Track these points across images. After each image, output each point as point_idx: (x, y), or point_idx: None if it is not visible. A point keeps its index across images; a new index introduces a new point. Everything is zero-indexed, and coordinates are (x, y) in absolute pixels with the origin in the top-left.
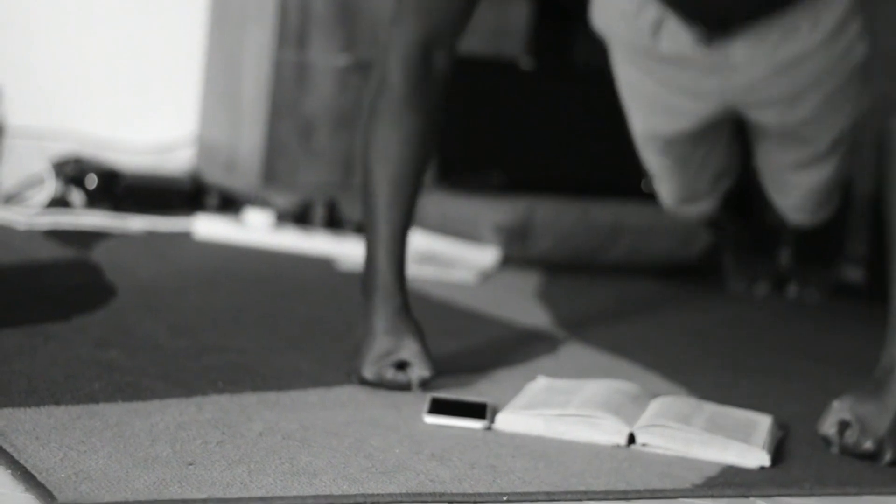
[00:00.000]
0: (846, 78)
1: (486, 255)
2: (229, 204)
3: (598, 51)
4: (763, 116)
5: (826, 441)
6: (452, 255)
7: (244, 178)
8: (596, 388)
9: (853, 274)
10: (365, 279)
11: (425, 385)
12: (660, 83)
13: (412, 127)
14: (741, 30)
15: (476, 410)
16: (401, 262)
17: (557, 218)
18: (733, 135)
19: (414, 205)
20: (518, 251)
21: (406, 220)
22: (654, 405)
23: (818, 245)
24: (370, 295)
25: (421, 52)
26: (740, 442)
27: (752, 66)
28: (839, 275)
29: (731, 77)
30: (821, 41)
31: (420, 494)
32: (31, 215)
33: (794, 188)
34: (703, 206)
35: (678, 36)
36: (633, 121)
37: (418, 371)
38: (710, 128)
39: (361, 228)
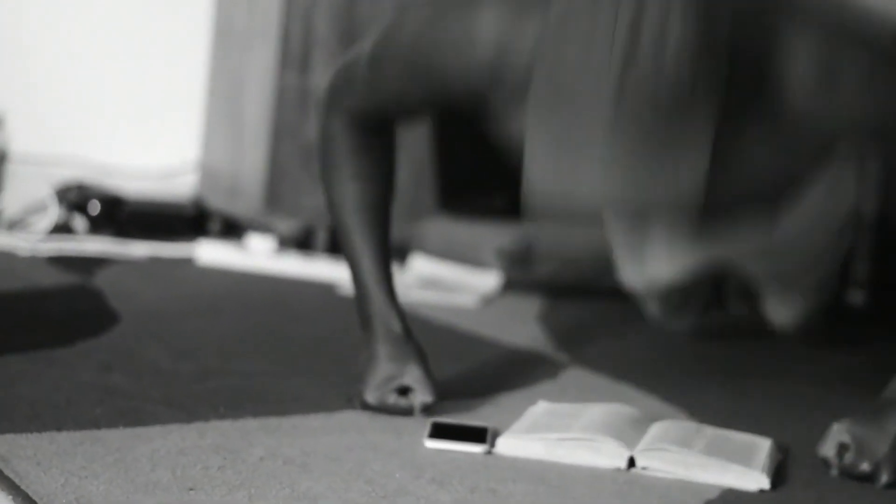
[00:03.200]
0: (832, 235)
1: (488, 280)
2: (232, 229)
3: None
4: (747, 270)
5: (825, 463)
6: (454, 279)
7: (246, 203)
8: (597, 411)
9: (855, 296)
10: (360, 310)
11: (427, 410)
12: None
13: (365, 167)
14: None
15: (477, 435)
16: (391, 287)
17: (560, 242)
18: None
19: (387, 231)
20: (520, 275)
21: (383, 246)
22: (655, 429)
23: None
24: (368, 323)
25: (365, 123)
26: (740, 465)
27: (734, 247)
28: (843, 298)
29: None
30: (803, 219)
31: None
32: (34, 241)
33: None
34: (690, 320)
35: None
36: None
37: (421, 396)
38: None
39: None
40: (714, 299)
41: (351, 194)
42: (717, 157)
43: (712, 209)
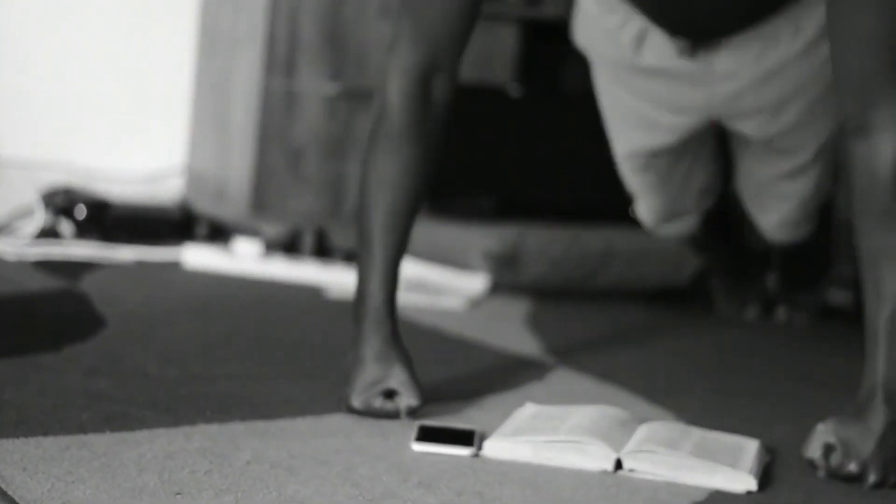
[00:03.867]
0: (827, 86)
1: (475, 282)
2: (218, 233)
3: (586, 76)
4: (746, 127)
5: (812, 465)
6: (442, 282)
7: (233, 206)
8: (584, 414)
9: (840, 296)
10: (356, 305)
11: (413, 413)
12: (642, 98)
13: (411, 155)
14: (724, 41)
15: (464, 438)
16: (392, 290)
17: (547, 244)
18: (715, 151)
19: (409, 233)
20: (507, 278)
21: (400, 248)
22: (642, 430)
23: (805, 268)
24: (360, 321)
25: (420, 79)
26: (728, 466)
27: (734, 77)
28: (826, 298)
29: (713, 88)
30: (802, 49)
31: None
32: (20, 246)
33: (776, 202)
34: (685, 225)
35: (661, 49)
36: (615, 137)
37: (406, 400)
38: (693, 142)
39: (350, 257)
40: (710, 216)
41: (386, 186)
42: None
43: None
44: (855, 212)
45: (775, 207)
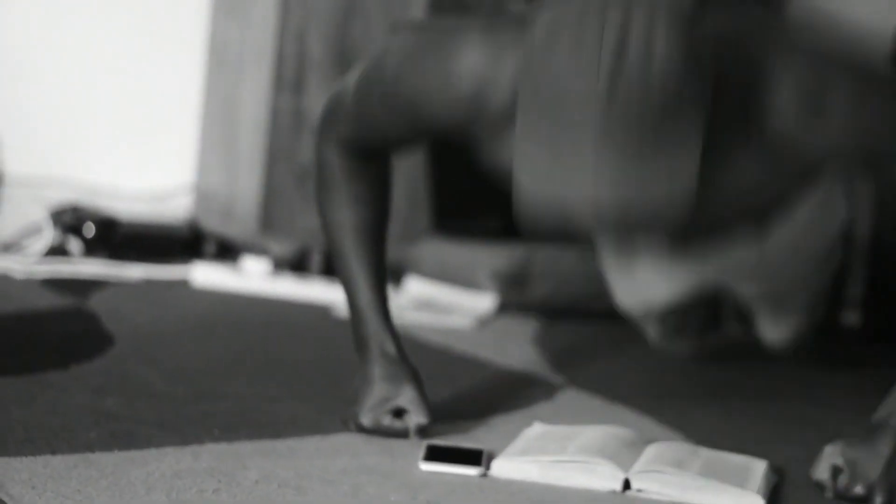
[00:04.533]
0: (823, 250)
1: (483, 302)
2: (227, 251)
3: None
4: (739, 290)
5: (820, 486)
6: (450, 301)
7: (241, 225)
8: (592, 434)
9: (850, 317)
10: (355, 332)
11: (422, 432)
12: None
13: (360, 192)
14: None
15: (472, 457)
16: (385, 311)
17: (555, 263)
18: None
19: (382, 253)
20: (515, 297)
21: (378, 267)
22: (650, 451)
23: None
24: (363, 345)
25: (357, 153)
26: (735, 487)
27: (723, 266)
28: (837, 318)
29: (703, 271)
30: (793, 237)
31: None
32: (28, 264)
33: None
34: (690, 344)
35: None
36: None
37: (415, 418)
38: (685, 302)
39: None
40: (711, 321)
41: (346, 219)
42: (704, 175)
43: (700, 227)
44: None
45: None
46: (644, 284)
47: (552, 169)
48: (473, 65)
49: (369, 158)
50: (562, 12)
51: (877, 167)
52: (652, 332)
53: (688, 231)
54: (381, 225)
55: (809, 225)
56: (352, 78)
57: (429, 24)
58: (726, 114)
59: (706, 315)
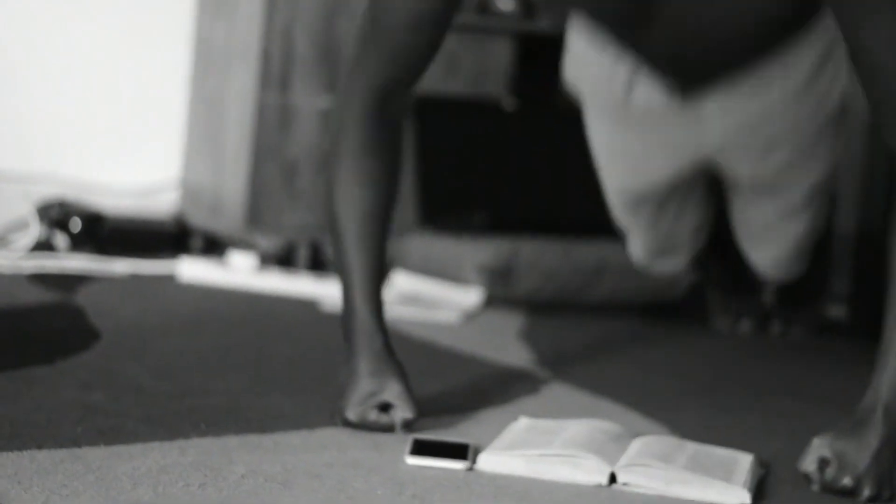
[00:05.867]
0: (820, 127)
1: (469, 296)
2: (213, 246)
3: None
4: (737, 169)
5: (807, 478)
6: (436, 295)
7: (228, 220)
8: (578, 427)
9: (836, 311)
10: (344, 323)
11: (408, 426)
12: (633, 139)
13: (373, 170)
14: (714, 83)
15: (458, 451)
16: (378, 303)
17: (541, 258)
18: (707, 190)
19: (384, 245)
20: (502, 291)
21: (377, 260)
22: (636, 444)
23: (802, 282)
24: (351, 337)
25: (379, 99)
26: (722, 481)
27: (725, 119)
28: (823, 312)
29: (704, 130)
30: (793, 91)
31: None
32: (15, 259)
33: (770, 243)
34: (677, 262)
35: (651, 92)
36: (605, 176)
37: (401, 413)
38: (684, 182)
39: None
40: (704, 249)
41: (355, 199)
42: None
43: (699, 38)
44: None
45: (768, 248)
46: (646, 161)
47: None
48: None
49: (389, 125)
50: None
51: (874, 82)
52: (638, 248)
53: (687, 50)
54: (388, 209)
55: (808, 85)
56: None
57: None
58: None
59: (698, 240)
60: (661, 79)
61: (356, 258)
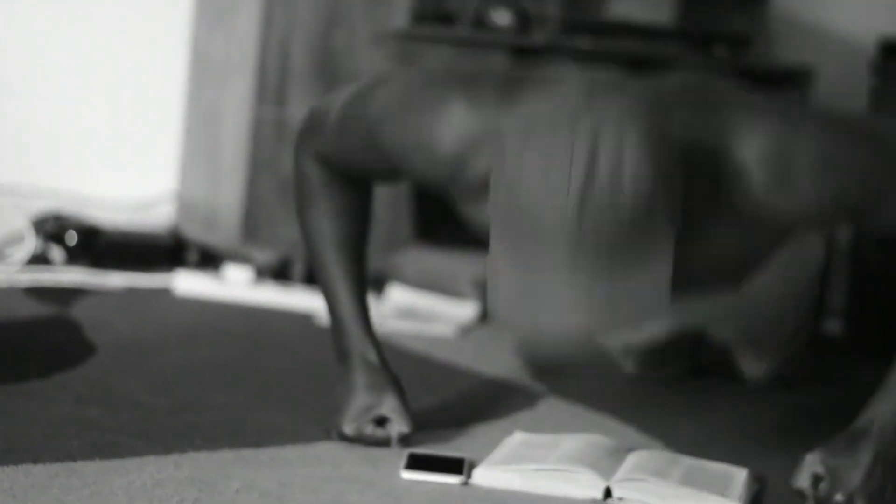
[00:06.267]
0: (805, 286)
1: (465, 310)
2: (209, 260)
3: None
4: (720, 331)
5: (800, 494)
6: (432, 309)
7: (224, 234)
8: (573, 442)
9: (832, 326)
10: (336, 342)
11: (404, 441)
12: None
13: (338, 199)
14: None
15: (453, 466)
16: (367, 320)
17: None
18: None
19: (363, 263)
20: None
21: (358, 278)
22: (631, 459)
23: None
24: (345, 356)
25: (333, 167)
26: (716, 495)
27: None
28: (817, 331)
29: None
30: (776, 279)
31: None
32: (11, 272)
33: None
34: (671, 372)
35: None
36: None
37: (397, 427)
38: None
39: None
40: (691, 355)
41: (326, 230)
42: (678, 251)
43: (679, 288)
44: None
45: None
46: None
47: (524, 290)
48: (457, 130)
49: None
50: (533, 119)
51: (856, 219)
52: (629, 364)
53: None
54: (362, 236)
55: (785, 272)
56: (334, 103)
57: (415, 73)
58: (698, 194)
59: (686, 350)
60: None
61: (339, 279)
